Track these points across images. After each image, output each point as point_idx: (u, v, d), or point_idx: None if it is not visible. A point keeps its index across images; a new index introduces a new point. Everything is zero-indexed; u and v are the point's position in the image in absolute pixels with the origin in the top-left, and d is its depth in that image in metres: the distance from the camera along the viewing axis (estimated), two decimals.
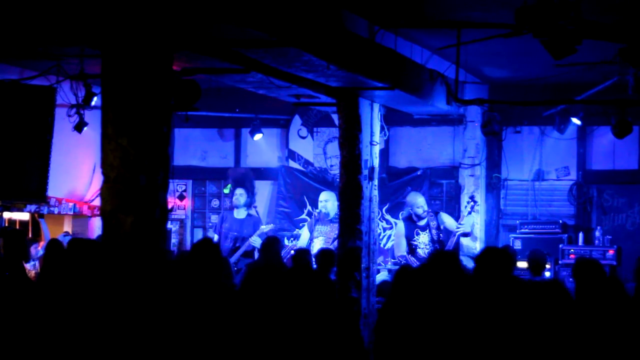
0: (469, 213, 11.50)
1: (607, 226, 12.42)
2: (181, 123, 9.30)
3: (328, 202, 11.88)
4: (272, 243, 9.54)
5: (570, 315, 6.25)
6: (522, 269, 10.18)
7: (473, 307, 6.17)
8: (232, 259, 11.21)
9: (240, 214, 11.98)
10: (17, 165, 10.21)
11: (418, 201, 11.51)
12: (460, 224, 11.30)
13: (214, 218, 13.48)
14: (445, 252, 7.70)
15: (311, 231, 11.96)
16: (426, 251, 11.27)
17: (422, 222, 11.45)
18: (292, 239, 13.03)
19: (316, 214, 12.06)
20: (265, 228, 11.67)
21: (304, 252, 9.70)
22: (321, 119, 13.50)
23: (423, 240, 11.40)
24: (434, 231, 11.35)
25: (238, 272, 10.83)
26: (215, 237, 11.71)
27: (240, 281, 7.48)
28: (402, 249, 11.48)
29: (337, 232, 10.34)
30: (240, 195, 12.03)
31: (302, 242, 11.98)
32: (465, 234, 11.44)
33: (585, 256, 10.58)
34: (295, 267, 8.86)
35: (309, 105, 12.14)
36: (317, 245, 11.49)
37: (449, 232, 11.35)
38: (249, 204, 12.11)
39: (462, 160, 12.71)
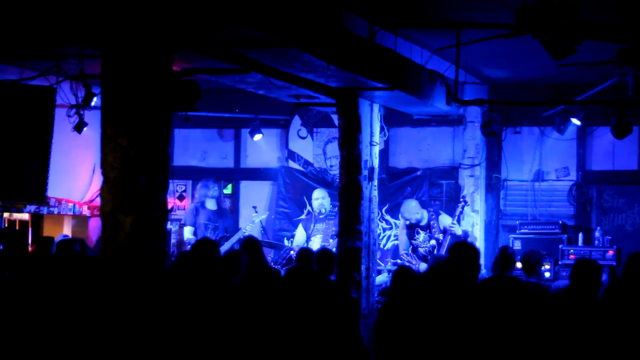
0: (461, 212, 11.50)
1: (607, 226, 12.41)
2: (181, 123, 9.29)
3: (324, 199, 12.13)
4: (254, 243, 9.25)
5: (568, 316, 6.25)
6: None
7: (472, 308, 6.17)
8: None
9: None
10: (17, 166, 10.21)
11: (411, 208, 11.45)
12: (452, 223, 11.28)
13: None
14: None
15: (306, 229, 12.01)
16: (426, 250, 11.27)
17: (423, 222, 11.45)
18: (291, 239, 13.03)
19: (316, 213, 12.10)
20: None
21: (307, 252, 9.69)
22: (321, 119, 13.49)
23: (423, 239, 11.39)
24: (434, 230, 11.35)
25: None
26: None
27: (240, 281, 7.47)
28: (406, 246, 11.50)
29: (333, 228, 10.35)
30: None
31: (299, 242, 11.99)
32: (455, 235, 11.27)
33: (584, 257, 10.56)
34: (296, 268, 8.81)
35: (309, 106, 12.14)
36: (315, 244, 11.53)
37: (446, 233, 11.34)
38: None
39: (461, 161, 12.69)
